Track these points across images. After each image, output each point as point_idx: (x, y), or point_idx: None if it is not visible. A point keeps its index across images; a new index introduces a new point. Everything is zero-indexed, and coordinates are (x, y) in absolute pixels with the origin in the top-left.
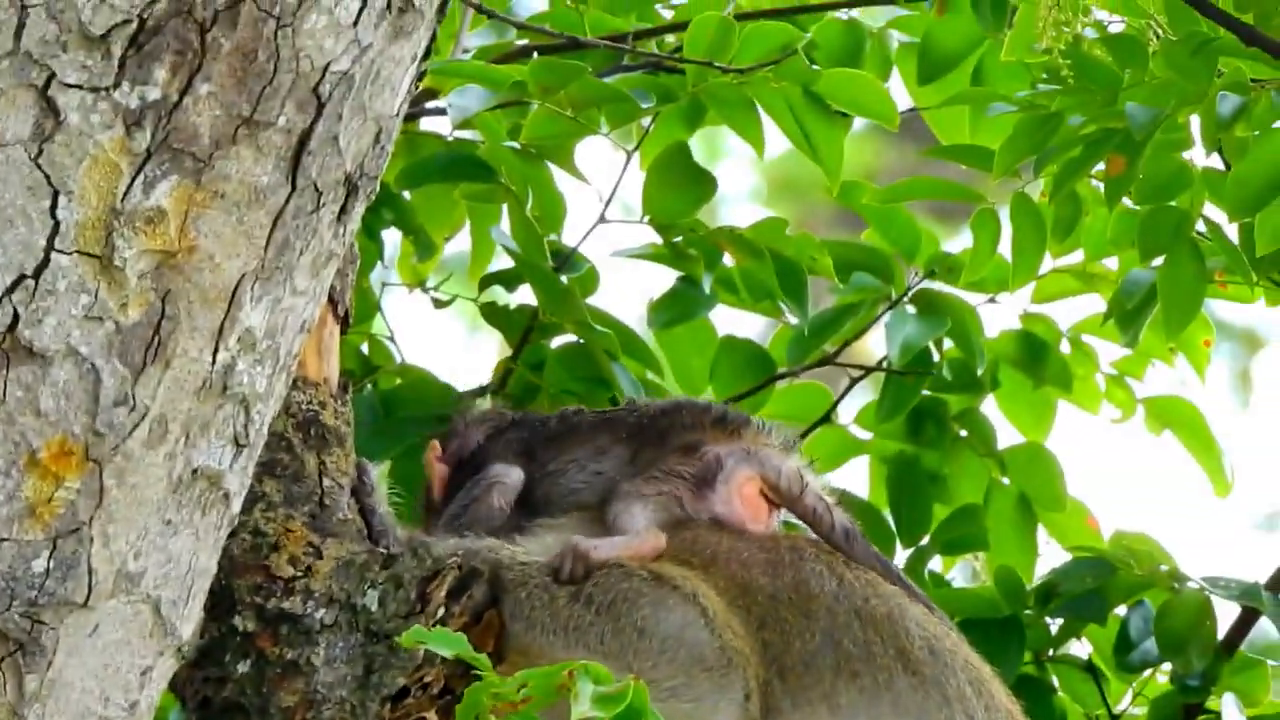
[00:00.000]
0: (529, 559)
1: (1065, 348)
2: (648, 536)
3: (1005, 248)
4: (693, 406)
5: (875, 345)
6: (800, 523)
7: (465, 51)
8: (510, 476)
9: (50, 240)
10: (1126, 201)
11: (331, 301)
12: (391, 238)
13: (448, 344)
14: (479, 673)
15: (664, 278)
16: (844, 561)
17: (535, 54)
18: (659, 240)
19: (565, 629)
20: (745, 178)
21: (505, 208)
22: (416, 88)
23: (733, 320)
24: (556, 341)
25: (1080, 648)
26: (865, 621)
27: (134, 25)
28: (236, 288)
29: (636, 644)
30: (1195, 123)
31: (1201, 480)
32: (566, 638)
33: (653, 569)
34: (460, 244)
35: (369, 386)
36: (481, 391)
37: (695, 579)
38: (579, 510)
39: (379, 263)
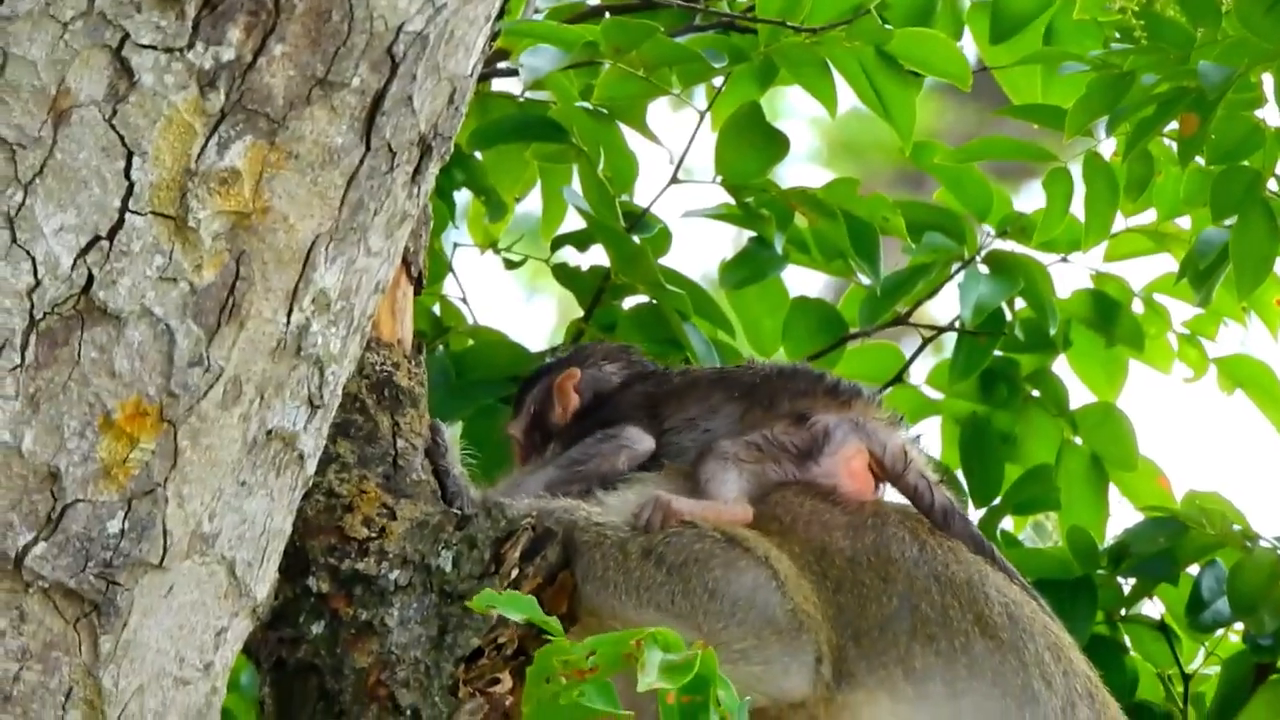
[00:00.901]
0: (604, 519)
1: (1137, 307)
2: (735, 508)
3: (1077, 207)
4: (807, 373)
5: (947, 306)
6: (902, 497)
7: (537, 12)
8: (642, 444)
9: (125, 201)
10: (1199, 161)
11: (405, 263)
12: (463, 198)
13: (511, 306)
14: (550, 636)
15: (736, 237)
16: (928, 528)
17: (607, 14)
18: (731, 200)
19: (636, 589)
20: (804, 138)
21: (576, 168)
22: (490, 48)
23: (805, 280)
24: (628, 302)
25: (1152, 607)
26: (944, 586)
27: None
28: (311, 248)
29: (707, 605)
30: (1268, 81)
31: (1271, 440)
32: (638, 598)
33: (726, 531)
34: (531, 205)
35: (441, 348)
36: (553, 353)
37: (770, 542)
38: (675, 465)
39: (450, 223)
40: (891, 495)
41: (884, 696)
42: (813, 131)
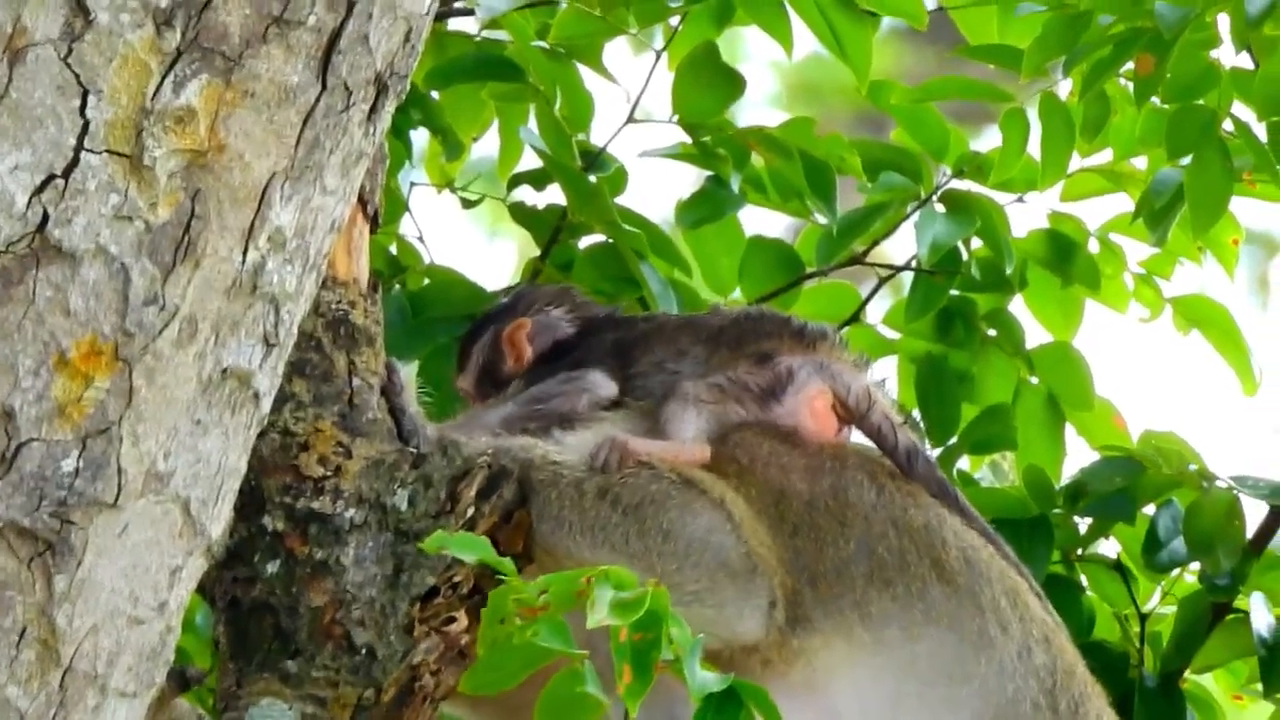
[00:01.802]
0: (560, 458)
1: (1093, 247)
2: (693, 448)
3: (1034, 147)
4: (773, 316)
5: (903, 245)
6: (867, 439)
7: None
8: (604, 389)
9: (80, 140)
10: (1155, 100)
11: (361, 201)
12: (419, 138)
13: (470, 246)
14: (503, 577)
15: (692, 177)
16: (888, 471)
17: None
18: (687, 140)
19: (591, 529)
20: (764, 82)
21: (533, 108)
22: None
23: (761, 220)
24: (585, 241)
25: (1109, 547)
26: (901, 530)
27: None
28: (266, 187)
29: (661, 546)
30: (1224, 21)
31: (1227, 380)
32: (593, 537)
33: (683, 473)
34: (488, 144)
35: (397, 287)
36: (510, 292)
37: (726, 485)
38: (637, 405)
39: (407, 163)
40: (857, 437)
41: (839, 641)
42: (773, 75)
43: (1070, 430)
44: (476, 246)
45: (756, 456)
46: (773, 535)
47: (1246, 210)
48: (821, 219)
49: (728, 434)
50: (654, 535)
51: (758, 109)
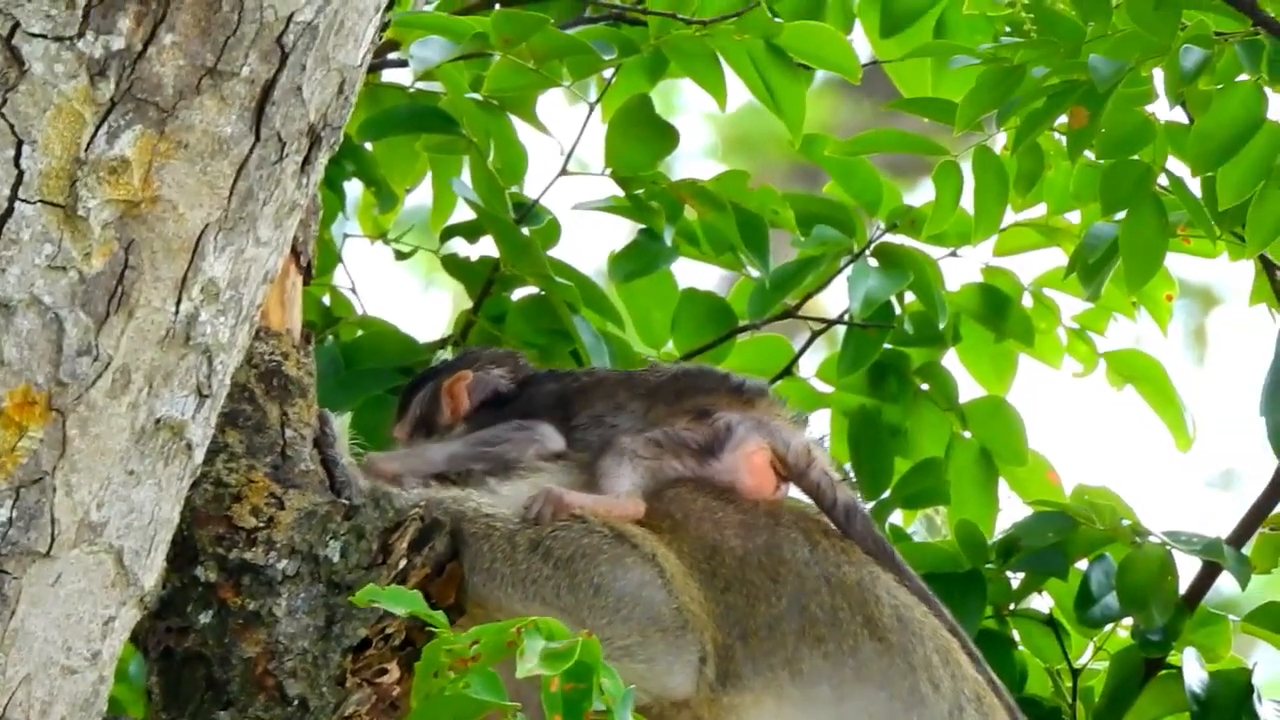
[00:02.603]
0: (493, 510)
1: (1027, 301)
2: (626, 502)
3: (967, 201)
4: (711, 373)
5: (837, 299)
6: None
7: (428, 3)
8: (552, 441)
9: (14, 190)
10: (1089, 155)
11: (294, 252)
12: (352, 189)
13: (404, 297)
14: (435, 630)
15: (625, 230)
16: (823, 529)
17: (497, 5)
18: (620, 193)
19: (523, 582)
20: (699, 134)
21: (467, 159)
22: (380, 38)
23: (694, 273)
24: (517, 294)
25: (1041, 602)
26: (834, 587)
27: None
28: (200, 238)
29: (592, 600)
30: (1159, 76)
31: (1160, 435)
32: (524, 590)
33: (615, 527)
34: (421, 196)
35: (330, 338)
36: (443, 344)
37: (658, 540)
38: (574, 457)
39: (340, 214)
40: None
41: (769, 699)
42: (709, 126)
43: (1003, 485)
44: (410, 298)
45: (690, 512)
46: (704, 591)
47: (1184, 263)
48: (754, 272)
49: (663, 489)
50: (585, 589)
51: (694, 160)
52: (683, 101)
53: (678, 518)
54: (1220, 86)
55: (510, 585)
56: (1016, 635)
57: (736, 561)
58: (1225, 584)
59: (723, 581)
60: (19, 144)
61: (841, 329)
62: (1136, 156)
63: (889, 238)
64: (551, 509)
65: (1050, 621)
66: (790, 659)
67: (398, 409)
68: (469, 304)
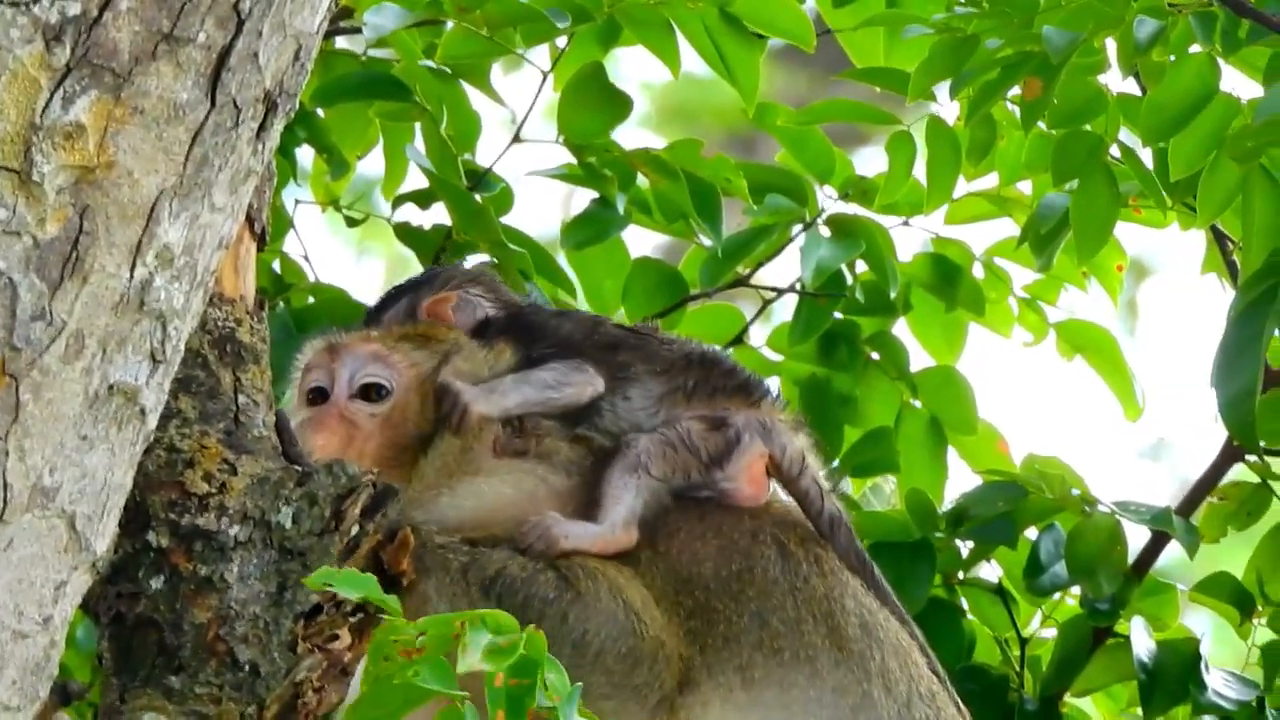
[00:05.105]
0: (446, 541)
1: (978, 271)
2: (620, 536)
3: (920, 171)
4: (721, 365)
5: (788, 268)
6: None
7: None
8: (600, 385)
9: None
10: (1042, 125)
11: (249, 219)
12: (304, 156)
13: (341, 263)
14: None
15: (578, 198)
16: (800, 536)
17: None
18: (573, 160)
19: None
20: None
21: (419, 127)
22: (334, 5)
23: (646, 241)
24: (470, 261)
25: (990, 571)
26: (801, 601)
27: None
28: (155, 204)
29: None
30: (1112, 47)
31: (1095, 406)
32: None
33: (569, 571)
34: (374, 163)
35: (282, 305)
36: None
37: (627, 572)
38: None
39: (292, 180)
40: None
41: (716, 701)
42: (644, 96)
43: (953, 454)
44: (353, 264)
45: (670, 546)
46: (668, 617)
47: (1119, 234)
48: (706, 241)
49: (658, 514)
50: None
51: (629, 130)
52: (618, 71)
53: (659, 549)
54: (1173, 58)
55: None
56: (965, 604)
57: (705, 594)
58: (1174, 553)
59: (687, 610)
60: None
61: (792, 298)
62: (1089, 127)
63: (840, 207)
64: (544, 546)
65: (999, 590)
66: (743, 665)
67: (366, 325)
68: (405, 270)
